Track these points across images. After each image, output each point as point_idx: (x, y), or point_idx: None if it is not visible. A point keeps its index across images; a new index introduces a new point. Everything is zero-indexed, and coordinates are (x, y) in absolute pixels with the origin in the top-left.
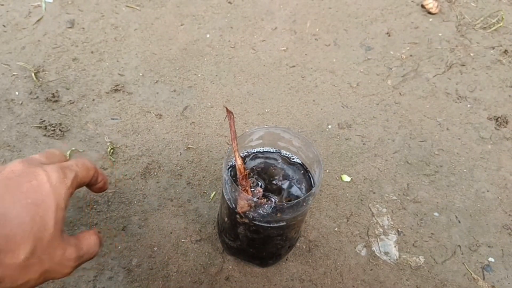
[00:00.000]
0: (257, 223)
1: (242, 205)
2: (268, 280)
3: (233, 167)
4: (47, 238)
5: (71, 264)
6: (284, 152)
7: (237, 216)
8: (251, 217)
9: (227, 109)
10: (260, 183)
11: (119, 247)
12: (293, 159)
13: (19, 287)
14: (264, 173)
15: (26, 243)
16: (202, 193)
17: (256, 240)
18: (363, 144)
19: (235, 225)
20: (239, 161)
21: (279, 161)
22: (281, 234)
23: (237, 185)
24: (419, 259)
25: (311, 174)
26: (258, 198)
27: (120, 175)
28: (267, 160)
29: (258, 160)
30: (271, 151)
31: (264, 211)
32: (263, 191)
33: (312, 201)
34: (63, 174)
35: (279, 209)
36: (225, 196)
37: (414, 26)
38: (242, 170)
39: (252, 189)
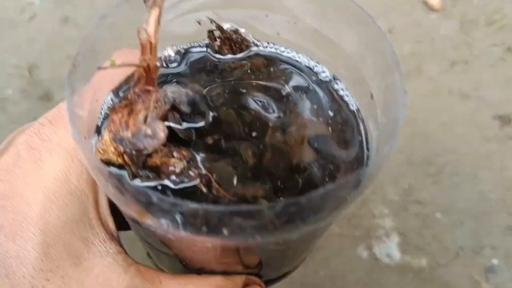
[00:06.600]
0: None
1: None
2: None
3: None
4: None
5: None
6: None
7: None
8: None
9: None
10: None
11: None
12: (320, 73)
13: None
14: (225, 106)
15: None
16: None
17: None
18: None
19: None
20: (151, 27)
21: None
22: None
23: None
24: (422, 261)
25: (363, 121)
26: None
27: None
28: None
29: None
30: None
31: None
32: (222, 157)
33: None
34: None
35: (280, 209)
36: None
37: (417, 23)
38: (152, 65)
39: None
